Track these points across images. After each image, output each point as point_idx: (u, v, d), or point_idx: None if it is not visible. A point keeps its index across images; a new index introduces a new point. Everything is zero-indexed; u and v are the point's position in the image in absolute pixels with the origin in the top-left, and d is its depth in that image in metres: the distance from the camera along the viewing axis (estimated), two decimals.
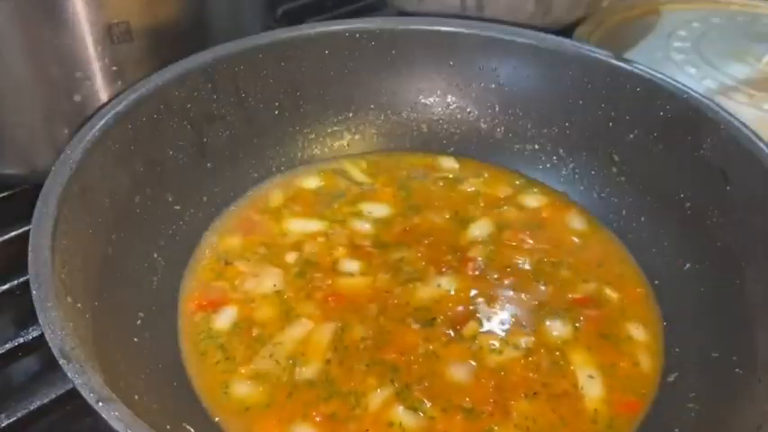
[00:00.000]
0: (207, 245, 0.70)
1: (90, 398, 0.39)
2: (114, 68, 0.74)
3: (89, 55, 0.72)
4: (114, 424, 0.38)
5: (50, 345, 0.42)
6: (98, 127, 0.61)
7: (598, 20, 1.09)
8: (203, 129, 0.74)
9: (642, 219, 0.74)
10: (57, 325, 0.43)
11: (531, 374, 0.59)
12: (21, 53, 0.71)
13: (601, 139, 0.78)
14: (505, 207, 0.77)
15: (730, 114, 0.67)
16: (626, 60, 0.76)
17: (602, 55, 0.78)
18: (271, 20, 1.13)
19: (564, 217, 0.77)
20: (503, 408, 0.56)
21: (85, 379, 0.40)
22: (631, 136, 0.76)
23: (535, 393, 0.57)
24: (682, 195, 0.70)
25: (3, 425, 0.56)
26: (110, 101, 0.66)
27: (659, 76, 0.74)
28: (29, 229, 0.73)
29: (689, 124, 0.70)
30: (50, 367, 0.64)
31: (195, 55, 0.73)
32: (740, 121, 0.66)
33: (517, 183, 0.81)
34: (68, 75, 0.73)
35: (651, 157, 0.74)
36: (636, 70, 0.75)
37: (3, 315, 0.70)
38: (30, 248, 0.48)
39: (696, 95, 0.70)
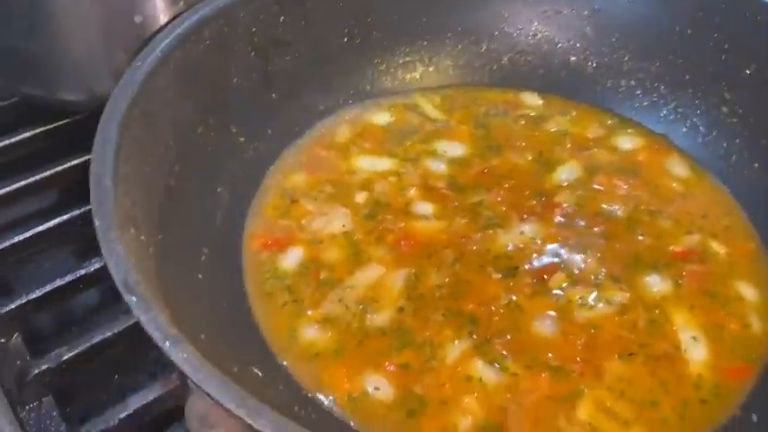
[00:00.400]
0: (272, 181, 0.66)
1: (156, 336, 0.36)
2: None
3: None
4: (182, 365, 0.35)
5: (114, 278, 0.39)
6: (159, 48, 0.56)
7: None
8: (269, 55, 0.69)
9: (755, 165, 0.65)
10: (120, 257, 0.40)
11: (626, 333, 0.53)
12: None
13: (711, 75, 0.69)
14: (596, 149, 0.70)
15: None
16: None
17: None
18: None
19: (663, 161, 0.69)
20: (594, 368, 0.51)
21: (151, 315, 0.37)
22: (748, 71, 0.66)
23: (631, 354, 0.52)
24: None
25: (64, 358, 0.55)
26: (171, 21, 0.61)
27: None
28: (89, 159, 0.73)
29: None
30: (111, 301, 0.64)
31: None
32: None
33: (609, 122, 0.73)
34: None
35: None
36: None
37: (64, 246, 0.69)
38: (91, 177, 0.45)
39: None
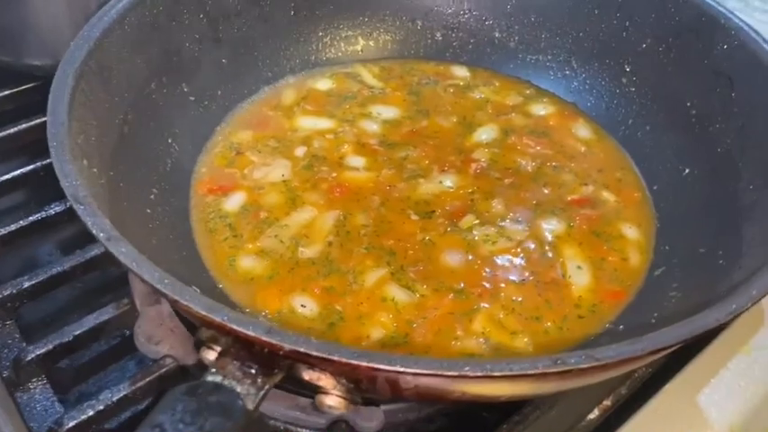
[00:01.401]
0: (220, 136, 0.73)
1: (100, 236, 0.42)
2: None
3: None
4: (122, 258, 0.41)
5: (66, 192, 0.45)
6: (116, 9, 0.63)
7: None
8: (219, 24, 0.75)
9: (647, 128, 0.74)
10: (72, 176, 0.46)
11: (521, 263, 0.61)
12: None
13: (614, 50, 0.78)
14: (513, 114, 0.78)
15: (742, 21, 0.66)
16: None
17: None
18: None
19: (570, 125, 0.78)
20: (491, 290, 0.59)
21: (96, 220, 0.43)
22: (644, 45, 0.75)
23: (523, 279, 0.60)
24: (688, 104, 0.70)
25: (25, 285, 0.61)
26: None
27: None
28: None
29: (701, 31, 0.69)
30: (70, 244, 0.70)
31: None
32: (752, 28, 0.65)
33: (527, 92, 0.82)
34: None
35: (661, 67, 0.73)
36: None
37: (27, 193, 0.75)
38: (48, 112, 0.51)
39: (710, 2, 0.69)
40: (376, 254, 0.62)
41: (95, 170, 0.54)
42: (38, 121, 0.80)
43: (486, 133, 0.76)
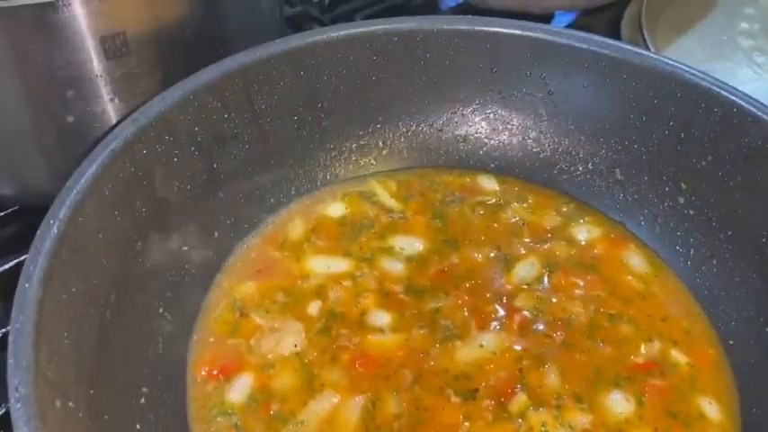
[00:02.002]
0: (219, 291, 0.63)
1: None
2: (110, 86, 0.65)
3: (81, 72, 0.63)
4: None
5: None
6: (89, 173, 0.52)
7: None
8: (214, 153, 0.65)
9: (714, 261, 0.64)
10: None
11: None
12: (8, 70, 0.62)
13: (667, 163, 0.68)
14: (553, 242, 0.68)
15: None
16: (700, 74, 0.65)
17: (671, 66, 0.67)
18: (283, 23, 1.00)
19: (621, 254, 0.68)
20: None
21: None
22: (704, 163, 0.66)
23: None
24: (763, 238, 0.60)
25: None
26: (104, 135, 0.57)
27: (740, 95, 0.63)
28: (18, 262, 0.68)
29: None
30: None
31: (202, 71, 0.63)
32: None
33: (565, 209, 0.72)
34: (59, 94, 0.64)
35: (727, 190, 0.64)
36: (712, 87, 0.64)
37: None
38: (9, 361, 0.41)
39: None
40: None
41: (71, 404, 0.43)
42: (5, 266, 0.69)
43: (525, 270, 0.66)
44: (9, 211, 0.74)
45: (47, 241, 0.47)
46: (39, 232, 0.48)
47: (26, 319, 0.42)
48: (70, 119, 0.65)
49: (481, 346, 0.59)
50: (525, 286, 0.64)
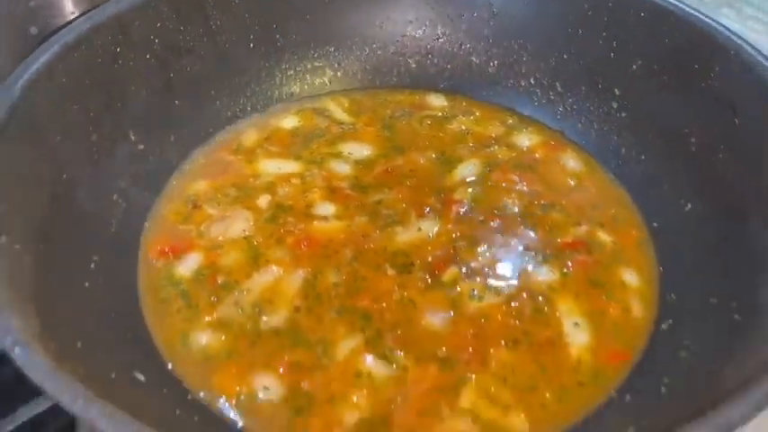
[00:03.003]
0: (174, 187, 0.66)
1: (6, 342, 0.35)
2: None
3: None
4: (31, 374, 0.34)
5: None
6: (42, 60, 0.56)
7: None
8: (170, 63, 0.69)
9: (643, 157, 0.68)
10: None
11: (512, 321, 0.55)
12: None
13: (601, 72, 0.72)
14: (496, 146, 0.72)
15: (743, 40, 0.60)
16: None
17: None
18: None
19: (559, 157, 0.71)
20: (481, 357, 0.52)
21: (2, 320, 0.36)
22: (634, 67, 0.69)
23: (516, 341, 0.53)
24: (686, 131, 0.64)
25: None
26: (60, 29, 0.60)
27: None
28: None
29: (697, 52, 0.63)
30: None
31: None
32: (754, 48, 0.59)
33: (510, 121, 0.76)
34: (23, 4, 0.67)
35: (655, 91, 0.67)
36: None
37: None
38: None
39: (706, 20, 0.63)
40: (349, 319, 0.55)
41: (18, 246, 0.46)
42: None
43: (467, 169, 0.69)
44: None
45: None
46: None
47: None
48: (33, 30, 0.69)
49: (419, 230, 0.62)
50: (465, 181, 0.68)
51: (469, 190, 0.66)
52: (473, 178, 0.68)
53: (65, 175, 0.56)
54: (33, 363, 0.35)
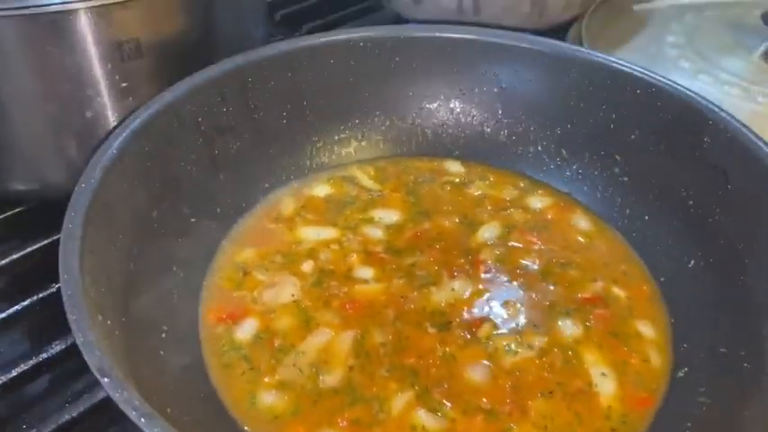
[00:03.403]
0: (224, 256, 0.72)
1: (133, 415, 0.40)
2: (124, 85, 0.75)
3: (99, 73, 0.73)
4: None
5: (89, 364, 0.43)
6: (115, 146, 0.62)
7: (591, 17, 1.11)
8: (215, 141, 0.75)
9: (646, 217, 0.76)
10: (94, 345, 0.44)
11: (545, 374, 0.61)
12: (30, 71, 0.72)
13: (603, 141, 0.80)
14: (512, 209, 0.79)
15: (730, 115, 0.69)
16: (625, 63, 0.78)
17: (601, 58, 0.80)
18: (270, 26, 1.14)
19: (569, 217, 0.79)
20: (520, 407, 0.58)
21: (126, 396, 0.41)
22: (633, 137, 0.78)
23: (551, 392, 0.60)
24: (684, 194, 0.72)
25: None
26: (124, 119, 0.67)
27: (658, 78, 0.75)
28: (41, 246, 0.77)
29: (689, 125, 0.72)
30: (67, 384, 0.67)
31: (204, 69, 0.74)
32: (740, 122, 0.68)
33: (522, 185, 0.83)
34: (79, 92, 0.73)
35: (653, 157, 0.76)
36: (635, 72, 0.77)
37: (22, 331, 0.71)
38: (60, 270, 0.49)
39: (695, 97, 0.72)
40: (399, 375, 0.60)
41: (110, 322, 0.52)
42: (29, 249, 0.77)
43: (488, 232, 0.76)
44: (29, 205, 0.82)
45: (84, 195, 0.56)
46: (76, 188, 0.57)
47: (72, 249, 0.51)
48: (89, 114, 0.75)
49: (452, 289, 0.69)
50: (488, 243, 0.74)
51: (494, 251, 0.73)
52: (494, 240, 0.75)
53: (134, 251, 0.61)
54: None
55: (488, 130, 0.87)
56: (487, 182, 0.84)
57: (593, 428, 0.57)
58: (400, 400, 0.58)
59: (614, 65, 0.79)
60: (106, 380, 0.42)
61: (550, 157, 0.84)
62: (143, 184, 0.65)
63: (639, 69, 0.77)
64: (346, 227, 0.76)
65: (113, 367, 0.44)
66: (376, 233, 0.76)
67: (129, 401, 0.41)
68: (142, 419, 0.40)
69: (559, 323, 0.65)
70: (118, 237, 0.60)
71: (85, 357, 0.44)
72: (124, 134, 0.64)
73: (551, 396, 0.59)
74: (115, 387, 0.42)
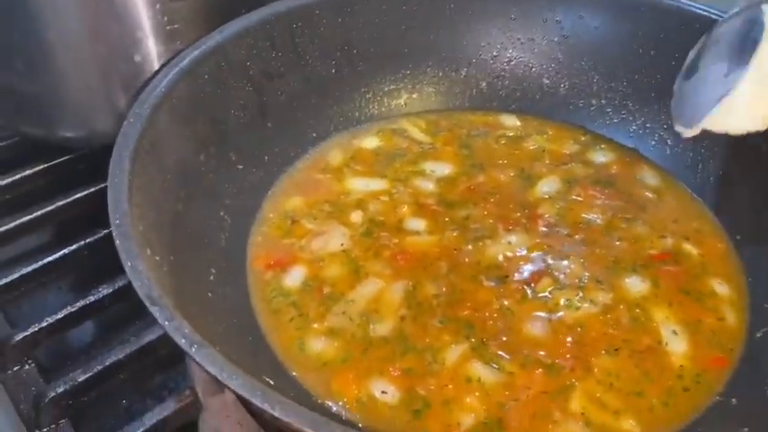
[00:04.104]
0: (271, 204, 0.70)
1: (182, 343, 0.38)
2: (172, 27, 0.72)
3: (147, 13, 0.71)
4: (209, 367, 0.37)
5: (138, 292, 0.42)
6: (164, 84, 0.60)
7: None
8: (263, 87, 0.73)
9: (720, 173, 0.70)
10: (143, 273, 0.43)
11: (611, 330, 0.57)
12: (79, 14, 0.70)
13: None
14: (572, 164, 0.75)
15: None
16: (699, 6, 0.72)
17: (673, 1, 0.74)
18: None
19: (635, 172, 0.74)
20: (584, 363, 0.55)
21: (175, 324, 0.40)
22: None
23: (617, 349, 0.56)
24: (761, 149, 0.66)
25: (78, 380, 0.57)
26: (172, 58, 0.65)
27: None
28: (90, 192, 0.76)
29: None
30: (115, 329, 0.66)
31: (253, 12, 0.72)
32: None
33: (583, 139, 0.79)
34: (127, 34, 0.72)
35: None
36: (711, 16, 0.71)
37: (71, 274, 0.71)
38: (109, 201, 0.48)
39: None
40: (453, 327, 0.57)
41: (158, 258, 0.50)
42: (76, 196, 0.77)
43: (547, 185, 0.72)
44: (78, 153, 0.82)
45: (132, 132, 0.55)
46: (124, 124, 0.55)
47: (120, 182, 0.50)
48: (137, 58, 0.73)
49: (509, 243, 0.65)
50: (547, 197, 0.70)
51: (554, 206, 0.69)
52: (554, 194, 0.71)
53: (182, 193, 0.59)
54: (213, 361, 0.38)
55: (547, 81, 0.83)
56: (545, 136, 0.79)
57: (665, 387, 0.53)
58: (455, 352, 0.55)
59: (688, 8, 0.73)
60: (156, 308, 0.41)
61: (615, 111, 0.79)
62: (190, 125, 0.63)
63: (717, 13, 0.71)
64: (396, 179, 0.73)
65: (162, 296, 0.42)
66: (427, 186, 0.72)
67: (179, 329, 0.39)
68: (193, 348, 0.38)
69: (626, 279, 0.61)
70: (165, 176, 0.58)
71: (134, 284, 0.42)
72: (173, 72, 0.62)
73: (617, 353, 0.55)
74: (165, 315, 0.40)
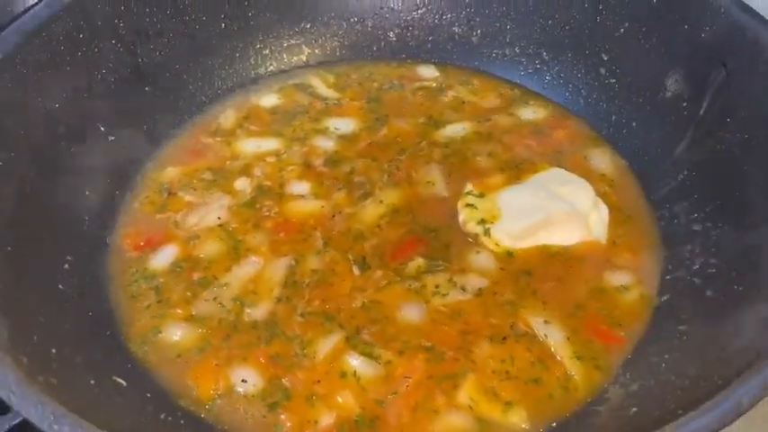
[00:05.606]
0: (148, 176, 0.64)
1: None
2: None
3: None
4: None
5: None
6: (3, 48, 0.53)
7: None
8: (137, 48, 0.66)
9: (633, 124, 0.66)
10: None
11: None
12: None
13: (587, 38, 0.69)
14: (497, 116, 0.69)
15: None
16: None
17: None
18: None
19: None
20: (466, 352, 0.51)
21: None
22: (622, 30, 0.66)
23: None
24: (676, 94, 0.62)
25: None
26: (18, 17, 0.57)
27: None
28: None
29: (684, 11, 0.60)
30: None
31: None
32: (743, 4, 0.56)
33: (502, 92, 0.73)
34: None
35: (643, 53, 0.65)
36: None
37: None
38: None
39: None
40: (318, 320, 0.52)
41: None
42: None
43: (453, 130, 0.67)
44: None
45: None
46: None
47: None
48: None
49: (381, 201, 0.61)
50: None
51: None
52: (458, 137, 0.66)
53: (31, 173, 0.53)
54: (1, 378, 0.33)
55: (458, 30, 0.76)
56: (470, 86, 0.73)
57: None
58: (326, 344, 0.51)
59: None
60: None
61: (528, 60, 0.73)
62: (42, 96, 0.56)
63: None
64: (294, 138, 0.67)
65: None
66: (327, 144, 0.66)
67: None
68: None
69: None
70: (8, 153, 0.52)
71: None
72: (12, 37, 0.54)
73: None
74: None
